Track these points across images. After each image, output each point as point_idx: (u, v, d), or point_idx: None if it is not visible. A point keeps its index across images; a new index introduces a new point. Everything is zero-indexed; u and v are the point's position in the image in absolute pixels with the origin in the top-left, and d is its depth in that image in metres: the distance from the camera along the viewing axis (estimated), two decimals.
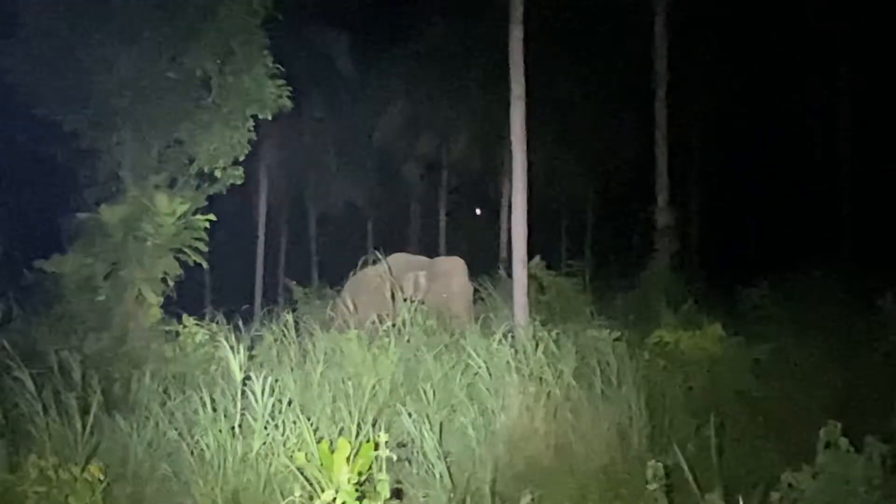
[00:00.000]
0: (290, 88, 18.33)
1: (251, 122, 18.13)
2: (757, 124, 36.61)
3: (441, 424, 9.75)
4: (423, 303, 14.07)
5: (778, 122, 35.49)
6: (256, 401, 8.95)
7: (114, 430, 10.06)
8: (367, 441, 7.61)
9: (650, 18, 25.69)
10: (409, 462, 9.39)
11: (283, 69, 18.33)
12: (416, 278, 17.35)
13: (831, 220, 33.37)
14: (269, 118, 18.34)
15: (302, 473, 7.69)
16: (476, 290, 17.47)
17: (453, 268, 17.84)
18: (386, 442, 7.33)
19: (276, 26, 18.64)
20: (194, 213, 17.54)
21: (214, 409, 9.46)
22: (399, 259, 18.44)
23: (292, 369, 10.98)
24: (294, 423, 8.92)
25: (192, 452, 9.22)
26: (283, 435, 8.88)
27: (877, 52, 30.74)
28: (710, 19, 30.01)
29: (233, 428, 9.01)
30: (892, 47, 29.57)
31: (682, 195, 31.81)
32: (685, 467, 7.76)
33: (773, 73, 32.94)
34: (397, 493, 8.61)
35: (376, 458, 7.27)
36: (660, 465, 7.25)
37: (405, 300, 13.89)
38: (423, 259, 18.99)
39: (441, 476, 8.75)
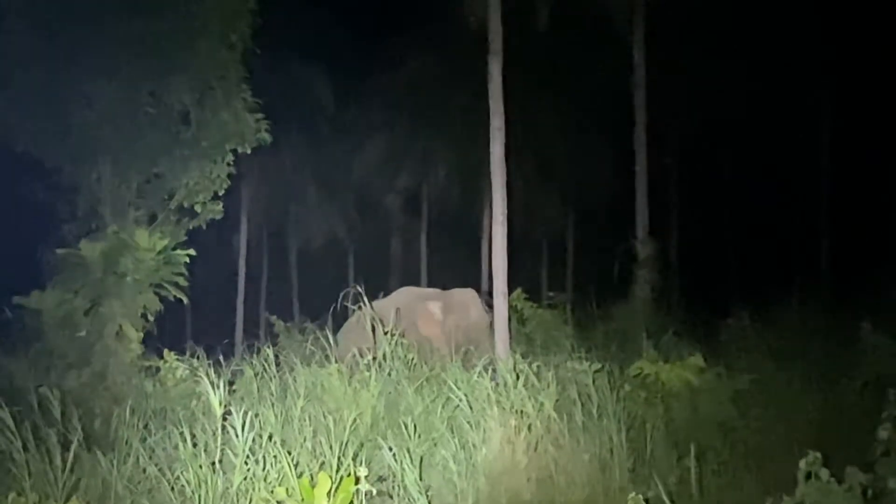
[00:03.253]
0: (269, 122, 18.36)
1: (230, 157, 18.14)
2: (736, 156, 36.74)
3: (422, 458, 9.75)
4: (402, 336, 13.98)
5: (757, 153, 35.58)
6: (237, 436, 8.91)
7: (94, 467, 10.04)
8: (348, 475, 7.62)
9: (629, 49, 25.77)
10: (390, 496, 9.39)
11: (261, 103, 18.36)
12: (431, 310, 17.46)
13: (810, 250, 33.50)
14: (249, 152, 18.36)
15: None
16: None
17: (469, 298, 17.96)
18: (366, 476, 7.34)
19: (254, 60, 18.68)
20: (174, 248, 17.51)
21: (195, 445, 9.44)
22: (410, 293, 18.56)
23: (273, 404, 10.94)
24: (275, 457, 8.90)
25: (172, 488, 9.21)
26: (263, 470, 8.86)
27: (857, 84, 30.91)
28: (688, 49, 30.10)
29: (213, 463, 8.99)
30: (871, 79, 29.76)
31: (663, 226, 31.82)
32: (666, 499, 7.76)
33: (753, 103, 33.03)
34: None
35: (357, 492, 7.28)
36: (641, 497, 7.25)
37: (385, 333, 13.83)
38: (432, 291, 19.07)
39: None
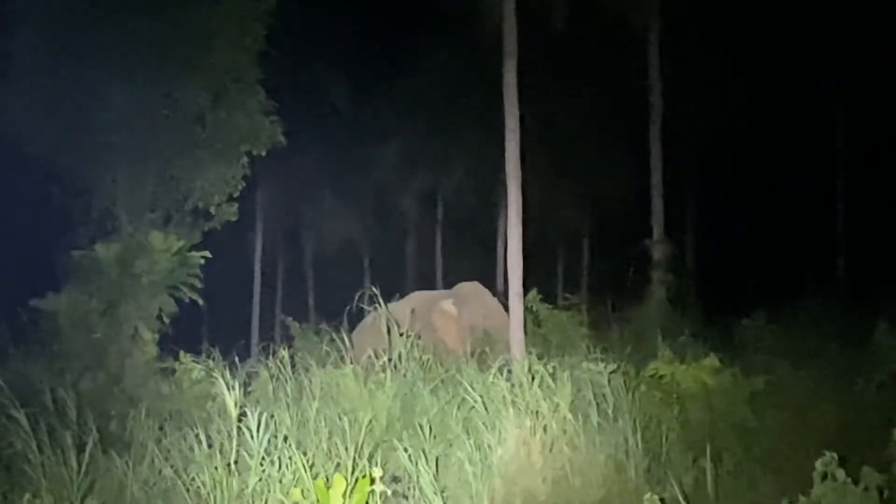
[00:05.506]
0: (284, 124, 18.39)
1: (245, 159, 18.17)
2: (752, 156, 36.63)
3: (437, 459, 9.73)
4: (417, 337, 13.98)
5: (772, 153, 35.48)
6: (252, 437, 8.90)
7: (109, 468, 10.05)
8: (363, 476, 7.60)
9: (644, 51, 25.71)
10: (406, 497, 9.37)
11: (277, 105, 18.39)
12: (443, 307, 17.51)
13: (826, 251, 33.38)
14: (263, 154, 18.39)
15: None
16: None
17: (479, 289, 18.03)
18: (381, 477, 7.32)
19: (270, 62, 18.70)
20: (189, 250, 17.54)
21: (210, 446, 9.44)
22: (421, 297, 18.56)
23: (288, 405, 10.94)
24: (290, 459, 8.86)
25: (187, 490, 9.20)
26: (278, 471, 8.83)
27: (872, 83, 30.80)
28: (704, 50, 30.05)
29: (229, 465, 8.97)
30: (886, 79, 29.66)
31: (678, 228, 31.77)
32: (682, 500, 7.73)
33: (768, 104, 32.92)
34: None
35: (372, 493, 7.26)
36: (656, 497, 7.23)
37: (401, 335, 13.83)
38: (443, 292, 19.11)
39: None
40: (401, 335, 13.54)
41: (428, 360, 13.18)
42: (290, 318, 19.47)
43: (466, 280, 19.11)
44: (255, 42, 18.40)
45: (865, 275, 26.68)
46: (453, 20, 28.54)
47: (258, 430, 8.93)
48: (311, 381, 12.12)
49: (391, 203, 39.05)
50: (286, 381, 12.42)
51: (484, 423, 10.33)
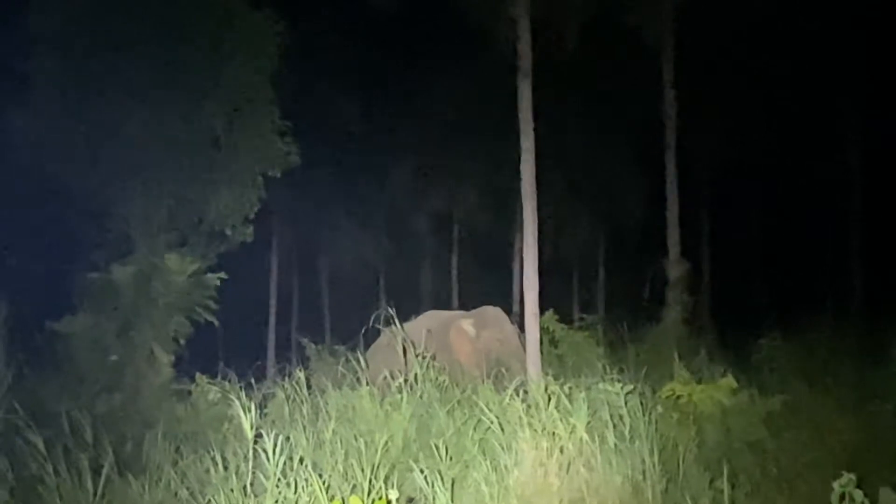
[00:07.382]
0: (299, 145, 18.39)
1: (260, 180, 18.18)
2: (768, 176, 36.59)
3: (454, 480, 9.70)
4: (433, 358, 13.93)
5: (788, 173, 35.43)
6: (268, 459, 8.88)
7: (125, 491, 10.05)
8: (379, 498, 7.59)
9: (659, 69, 25.66)
10: None
11: (290, 126, 18.40)
12: (462, 325, 17.44)
13: (842, 271, 33.31)
14: (278, 175, 18.40)
15: None
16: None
17: (500, 315, 17.96)
18: (397, 499, 7.30)
19: (283, 83, 18.72)
20: (205, 272, 17.56)
21: (226, 468, 9.44)
22: (436, 316, 18.49)
23: (304, 427, 10.94)
24: (306, 480, 8.85)
25: None
26: (294, 493, 8.80)
27: (889, 104, 30.71)
28: (719, 70, 30.02)
29: (244, 487, 8.96)
30: None
31: (694, 247, 31.67)
32: None
33: (784, 124, 32.88)
34: None
35: None
36: None
37: (417, 355, 13.79)
38: (458, 313, 19.06)
39: None
40: (416, 356, 13.50)
41: (444, 381, 13.16)
42: (305, 339, 19.45)
43: (484, 302, 19.04)
44: (269, 63, 18.43)
45: (882, 293, 26.56)
46: (468, 40, 28.53)
47: (274, 452, 8.90)
48: (327, 403, 12.12)
49: (406, 223, 39.05)
50: (302, 402, 12.42)
51: (500, 445, 10.30)
